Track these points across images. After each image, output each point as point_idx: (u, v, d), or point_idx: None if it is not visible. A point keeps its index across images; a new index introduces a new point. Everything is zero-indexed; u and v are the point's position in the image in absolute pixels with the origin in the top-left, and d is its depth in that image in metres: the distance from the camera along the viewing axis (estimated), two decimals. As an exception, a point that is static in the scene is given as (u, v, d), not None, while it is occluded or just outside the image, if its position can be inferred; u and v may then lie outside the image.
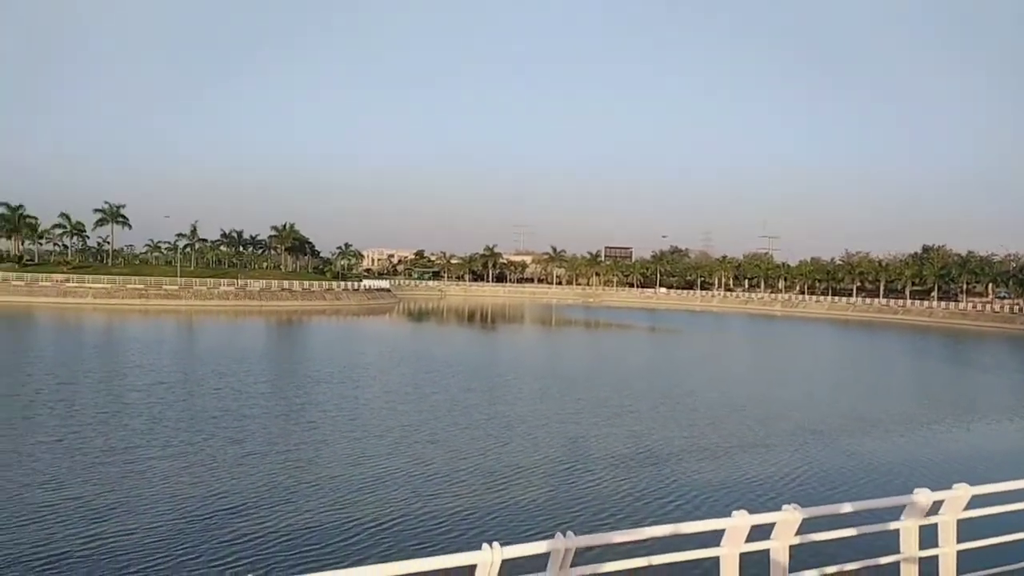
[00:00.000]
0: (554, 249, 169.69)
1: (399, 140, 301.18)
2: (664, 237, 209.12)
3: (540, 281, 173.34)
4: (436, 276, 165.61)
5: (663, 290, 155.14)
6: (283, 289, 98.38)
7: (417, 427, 22.42)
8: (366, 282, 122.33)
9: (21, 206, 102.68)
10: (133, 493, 15.03)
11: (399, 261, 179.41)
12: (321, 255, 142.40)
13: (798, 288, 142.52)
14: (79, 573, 11.16)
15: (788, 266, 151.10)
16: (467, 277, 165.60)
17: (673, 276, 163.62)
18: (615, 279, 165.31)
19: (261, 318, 76.35)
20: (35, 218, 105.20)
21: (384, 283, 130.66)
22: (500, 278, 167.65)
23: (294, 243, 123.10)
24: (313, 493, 15.46)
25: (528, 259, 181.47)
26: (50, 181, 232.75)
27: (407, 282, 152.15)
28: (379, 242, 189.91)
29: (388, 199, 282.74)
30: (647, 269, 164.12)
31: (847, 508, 5.08)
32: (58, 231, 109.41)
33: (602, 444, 20.96)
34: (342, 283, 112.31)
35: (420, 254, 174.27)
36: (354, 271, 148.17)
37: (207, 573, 11.37)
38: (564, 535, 3.92)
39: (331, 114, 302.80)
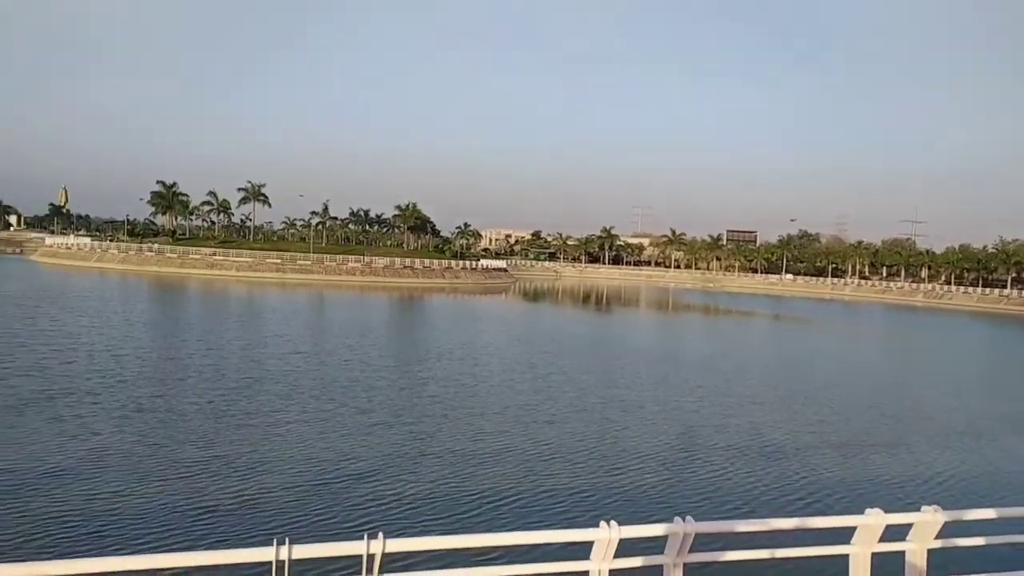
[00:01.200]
0: (673, 232, 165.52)
1: (523, 123, 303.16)
2: (793, 220, 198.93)
3: (657, 264, 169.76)
4: (552, 257, 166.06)
5: (789, 277, 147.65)
6: (405, 267, 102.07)
7: (534, 407, 22.67)
8: (483, 262, 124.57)
9: (175, 184, 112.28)
10: (273, 454, 16.17)
11: (516, 241, 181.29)
12: (441, 234, 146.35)
13: (943, 278, 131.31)
14: (226, 525, 12.15)
15: (932, 253, 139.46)
16: (583, 259, 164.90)
17: (801, 262, 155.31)
18: (737, 264, 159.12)
19: (384, 294, 79.65)
20: (187, 195, 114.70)
21: (501, 263, 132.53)
22: (616, 260, 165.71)
23: (416, 222, 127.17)
24: (435, 464, 16.01)
25: (645, 241, 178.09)
26: (199, 160, 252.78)
27: (523, 262, 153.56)
28: (497, 222, 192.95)
29: (508, 180, 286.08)
30: (772, 254, 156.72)
31: (991, 514, 4.66)
32: (206, 208, 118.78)
33: (722, 434, 20.33)
34: (460, 262, 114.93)
35: (537, 235, 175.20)
36: (472, 250, 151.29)
37: (339, 531, 12.07)
38: (683, 520, 3.84)
39: (455, 101, 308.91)
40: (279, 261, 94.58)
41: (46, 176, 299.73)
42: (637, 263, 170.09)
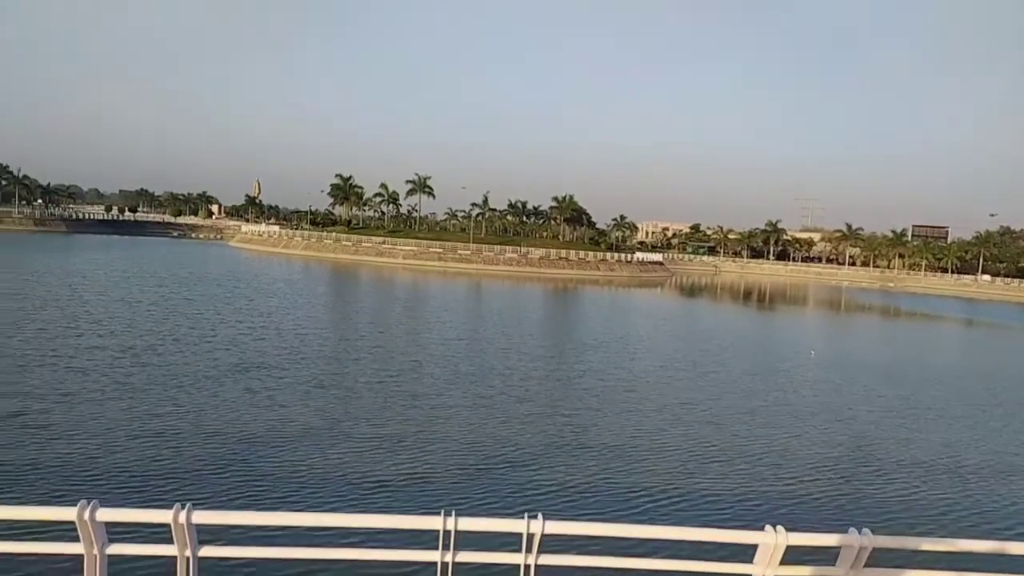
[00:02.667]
0: (849, 227, 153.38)
1: (687, 118, 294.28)
2: (993, 216, 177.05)
3: (829, 261, 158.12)
4: (711, 251, 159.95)
5: (986, 277, 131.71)
6: (560, 258, 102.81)
7: (694, 405, 21.92)
8: (639, 254, 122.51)
9: (351, 177, 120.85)
10: (438, 435, 16.88)
11: (673, 234, 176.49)
12: (597, 226, 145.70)
13: None
14: (397, 498, 12.83)
15: None
16: (745, 253, 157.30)
17: (1001, 262, 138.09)
18: (924, 262, 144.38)
19: (539, 284, 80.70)
20: (361, 188, 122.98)
21: (657, 256, 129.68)
22: (782, 256, 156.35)
23: (572, 214, 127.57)
24: (592, 456, 15.94)
25: (816, 236, 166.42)
26: (375, 154, 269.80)
27: (681, 256, 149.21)
28: (654, 215, 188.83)
29: (666, 171, 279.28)
30: (966, 252, 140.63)
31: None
32: (378, 199, 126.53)
33: (907, 449, 18.50)
34: (615, 254, 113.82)
35: (696, 228, 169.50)
36: (628, 243, 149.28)
37: (500, 510, 12.35)
38: (860, 532, 3.57)
39: (618, 97, 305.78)
40: (441, 250, 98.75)
41: (244, 170, 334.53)
42: (806, 259, 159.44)
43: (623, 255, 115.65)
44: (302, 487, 12.91)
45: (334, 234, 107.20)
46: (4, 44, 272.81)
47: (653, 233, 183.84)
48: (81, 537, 3.27)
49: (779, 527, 3.48)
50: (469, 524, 3.41)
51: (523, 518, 3.39)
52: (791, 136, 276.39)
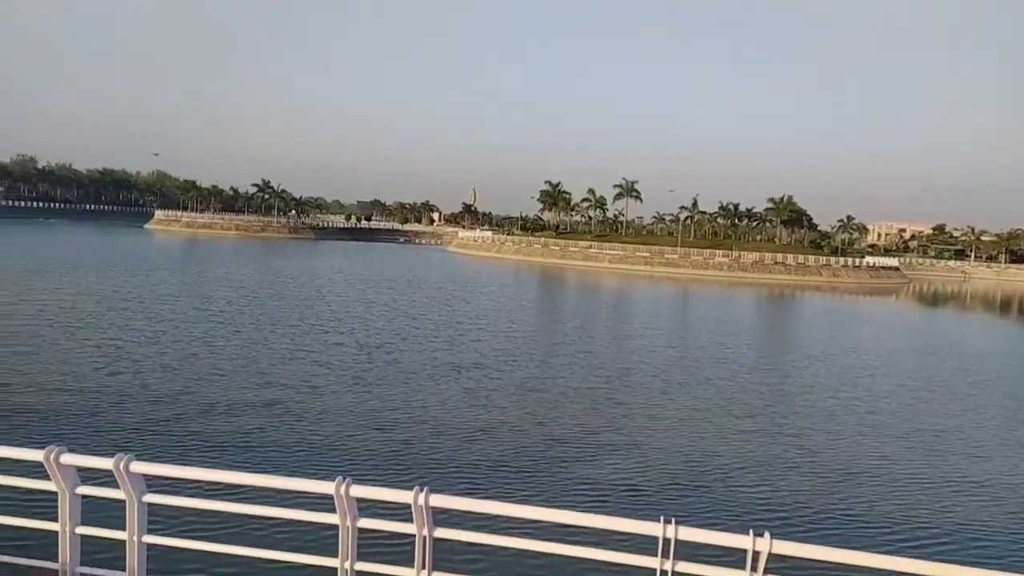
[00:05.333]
0: None
1: (920, 116, 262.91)
2: None
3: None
4: (959, 255, 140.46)
5: None
6: (776, 263, 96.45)
7: (947, 432, 19.19)
8: (869, 259, 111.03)
9: (559, 183, 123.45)
10: (651, 445, 16.40)
11: (911, 236, 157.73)
12: (819, 228, 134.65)
13: None
14: (614, 505, 12.60)
15: None
16: (1003, 258, 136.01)
17: None
18: None
19: (752, 290, 76.28)
20: (569, 193, 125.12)
21: (891, 261, 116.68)
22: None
23: (790, 216, 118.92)
24: (823, 481, 14.53)
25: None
26: (581, 161, 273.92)
27: (920, 261, 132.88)
28: (887, 215, 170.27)
29: (902, 167, 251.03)
30: None
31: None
32: (585, 204, 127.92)
33: None
34: (840, 259, 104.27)
35: (940, 229, 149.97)
36: (855, 246, 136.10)
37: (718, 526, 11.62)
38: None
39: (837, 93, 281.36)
40: (647, 254, 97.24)
41: (462, 179, 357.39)
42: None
43: (850, 259, 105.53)
44: (519, 484, 13.22)
45: (542, 239, 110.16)
46: (278, 85, 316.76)
47: (887, 235, 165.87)
48: (337, 510, 3.73)
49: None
50: (690, 534, 3.37)
51: (748, 534, 3.28)
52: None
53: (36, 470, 3.92)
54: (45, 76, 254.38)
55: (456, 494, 3.79)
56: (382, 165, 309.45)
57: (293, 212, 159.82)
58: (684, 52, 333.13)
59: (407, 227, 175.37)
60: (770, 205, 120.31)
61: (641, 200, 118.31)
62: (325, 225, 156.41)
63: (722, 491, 13.69)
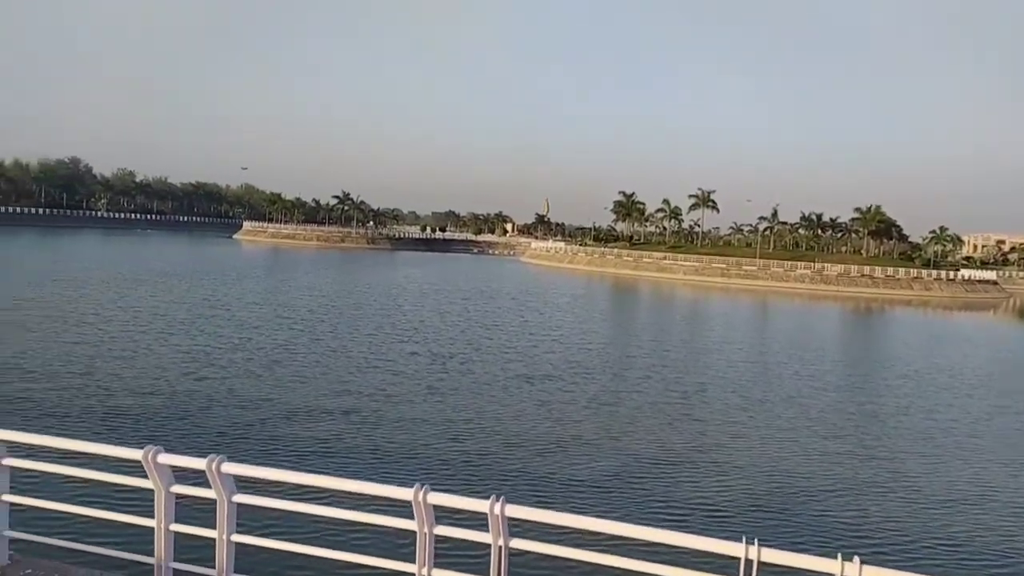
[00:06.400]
0: None
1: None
2: None
3: None
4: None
5: None
6: (862, 275, 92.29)
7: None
8: (964, 272, 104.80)
9: (633, 194, 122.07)
10: (731, 464, 15.85)
11: (1011, 249, 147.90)
12: (909, 240, 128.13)
13: None
14: (695, 524, 12.22)
15: None
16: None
17: None
18: None
19: (836, 304, 73.22)
20: (643, 203, 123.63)
21: (989, 274, 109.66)
22: None
23: (878, 226, 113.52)
24: (920, 508, 13.65)
25: None
26: (657, 171, 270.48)
27: (1022, 274, 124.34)
28: (984, 226, 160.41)
29: (1005, 178, 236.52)
30: None
31: None
32: (659, 215, 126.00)
33: None
34: (933, 272, 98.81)
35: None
36: (949, 258, 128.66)
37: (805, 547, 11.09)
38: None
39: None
40: (724, 266, 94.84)
41: (535, 189, 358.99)
42: None
43: (943, 272, 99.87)
44: (586, 494, 13.02)
45: (615, 250, 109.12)
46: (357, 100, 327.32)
47: (984, 247, 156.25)
48: (415, 516, 3.76)
49: None
50: (773, 556, 3.29)
51: (836, 558, 3.19)
52: None
53: (133, 468, 4.08)
54: (146, 97, 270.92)
55: (531, 505, 3.76)
56: (457, 177, 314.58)
57: (371, 223, 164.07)
58: (766, 63, 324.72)
59: (481, 238, 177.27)
60: (856, 215, 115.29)
61: (718, 210, 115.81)
62: (401, 236, 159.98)
63: (807, 513, 13.08)
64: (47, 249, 78.14)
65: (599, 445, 16.71)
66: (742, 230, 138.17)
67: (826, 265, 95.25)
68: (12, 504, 4.42)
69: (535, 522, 3.66)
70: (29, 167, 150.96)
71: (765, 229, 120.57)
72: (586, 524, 3.60)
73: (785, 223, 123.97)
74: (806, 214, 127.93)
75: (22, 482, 4.57)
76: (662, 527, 3.58)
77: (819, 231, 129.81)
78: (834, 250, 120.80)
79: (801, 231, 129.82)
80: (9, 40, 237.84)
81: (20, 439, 4.33)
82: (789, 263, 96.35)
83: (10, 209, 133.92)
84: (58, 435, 4.34)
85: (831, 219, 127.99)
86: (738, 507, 13.21)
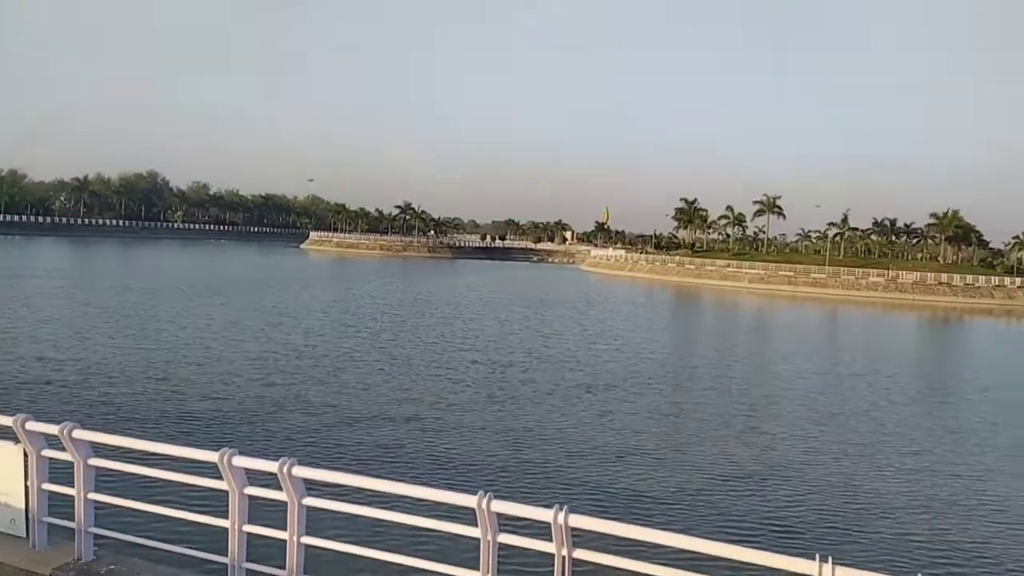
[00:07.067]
0: None
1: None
2: None
3: None
4: None
5: None
6: (940, 283, 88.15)
7: None
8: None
9: (695, 200, 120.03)
10: (802, 479, 15.32)
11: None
12: (990, 246, 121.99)
13: None
14: (767, 542, 11.83)
15: None
16: None
17: None
18: None
19: (911, 313, 70.13)
20: (705, 210, 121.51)
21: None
22: None
23: (956, 232, 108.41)
24: (1002, 528, 12.86)
25: None
26: (720, 176, 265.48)
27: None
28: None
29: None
30: None
31: None
32: (723, 221, 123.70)
33: None
34: (1017, 279, 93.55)
35: None
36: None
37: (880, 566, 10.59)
38: None
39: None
40: (791, 274, 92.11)
41: (595, 197, 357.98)
42: None
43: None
44: (660, 507, 12.78)
45: (677, 257, 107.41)
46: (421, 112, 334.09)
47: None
48: (479, 524, 3.78)
49: None
50: (849, 575, 3.19)
51: None
52: None
53: (207, 470, 4.21)
54: (212, 115, 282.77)
55: (597, 516, 3.71)
56: (516, 186, 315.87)
57: (432, 232, 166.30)
58: (834, 61, 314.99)
59: (540, 246, 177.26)
60: (932, 220, 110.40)
61: (784, 216, 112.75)
62: (461, 244, 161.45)
63: (884, 533, 12.47)
64: (129, 258, 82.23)
65: (662, 457, 16.40)
66: (810, 237, 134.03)
67: (900, 273, 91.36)
68: (96, 502, 4.62)
69: (599, 533, 3.61)
70: (111, 181, 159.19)
71: (835, 235, 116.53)
72: (651, 536, 3.53)
73: (856, 229, 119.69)
74: (879, 220, 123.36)
75: (105, 481, 4.77)
76: (730, 542, 3.47)
77: (893, 237, 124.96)
78: (909, 257, 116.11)
79: (873, 237, 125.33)
80: (96, 65, 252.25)
81: (104, 440, 4.53)
82: (861, 271, 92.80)
83: (94, 221, 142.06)
84: (138, 437, 4.52)
85: (905, 224, 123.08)
86: (809, 524, 12.74)
